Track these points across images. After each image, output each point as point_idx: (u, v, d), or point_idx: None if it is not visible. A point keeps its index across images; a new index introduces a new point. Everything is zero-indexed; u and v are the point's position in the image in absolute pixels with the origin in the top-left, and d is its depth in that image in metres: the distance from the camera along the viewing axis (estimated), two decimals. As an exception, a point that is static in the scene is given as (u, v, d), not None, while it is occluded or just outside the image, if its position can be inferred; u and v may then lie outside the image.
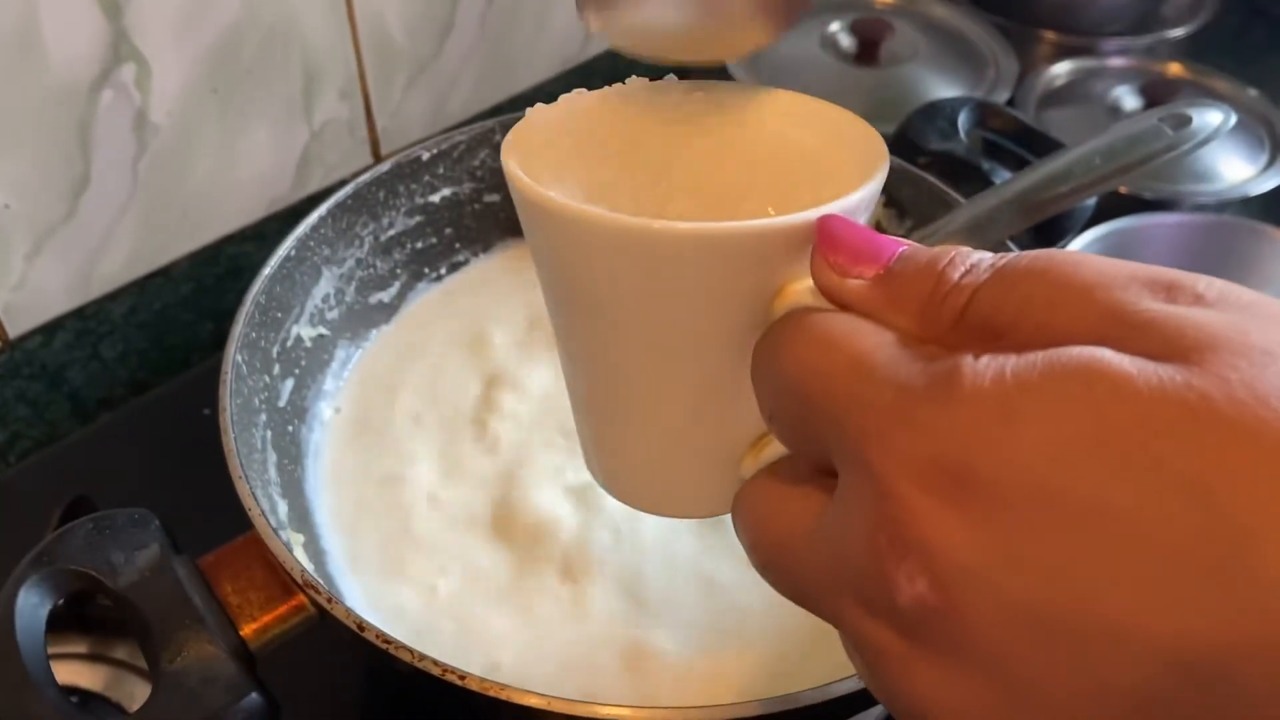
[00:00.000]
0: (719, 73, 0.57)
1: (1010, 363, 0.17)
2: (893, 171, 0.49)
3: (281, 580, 0.34)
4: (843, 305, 0.21)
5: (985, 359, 0.17)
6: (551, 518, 0.43)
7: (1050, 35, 0.76)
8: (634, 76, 0.28)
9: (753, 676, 0.38)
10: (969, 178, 0.51)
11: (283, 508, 0.41)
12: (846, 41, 0.73)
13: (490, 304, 0.52)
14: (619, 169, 0.28)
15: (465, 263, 0.54)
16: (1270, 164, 0.65)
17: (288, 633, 0.34)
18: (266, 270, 0.44)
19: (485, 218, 0.53)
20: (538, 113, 0.28)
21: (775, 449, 0.24)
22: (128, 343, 0.57)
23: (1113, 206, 0.60)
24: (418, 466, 0.45)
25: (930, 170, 0.48)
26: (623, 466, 0.29)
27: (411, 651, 0.31)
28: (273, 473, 0.42)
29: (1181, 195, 0.62)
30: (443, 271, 0.53)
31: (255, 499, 0.35)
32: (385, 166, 0.49)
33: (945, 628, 0.17)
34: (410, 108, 0.63)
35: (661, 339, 0.24)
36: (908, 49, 0.72)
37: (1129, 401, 0.16)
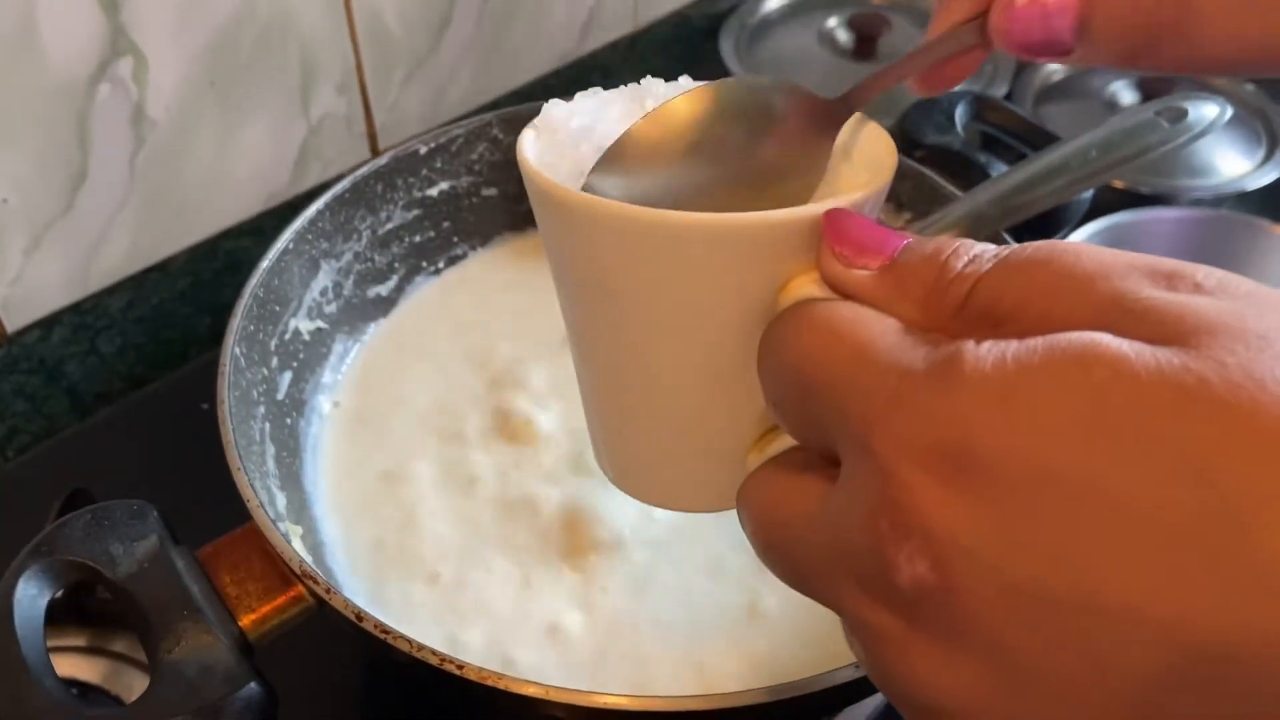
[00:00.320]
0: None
1: (1011, 348, 0.17)
2: (890, 165, 0.49)
3: (280, 571, 0.34)
4: (848, 295, 0.21)
5: (987, 345, 0.17)
6: (552, 510, 0.43)
7: (1047, 30, 0.76)
8: (648, 77, 0.28)
9: (752, 665, 0.38)
10: (966, 171, 0.51)
11: (281, 500, 0.41)
12: (844, 36, 0.73)
13: (488, 297, 0.52)
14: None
15: (463, 256, 0.54)
16: (1267, 159, 0.65)
17: (286, 623, 0.35)
18: (264, 263, 0.44)
19: (483, 211, 0.53)
20: (555, 108, 0.28)
21: (782, 443, 0.25)
22: (125, 337, 0.57)
23: (1110, 201, 0.60)
24: (416, 459, 0.45)
25: (927, 164, 0.48)
26: (631, 460, 0.29)
27: (410, 641, 0.31)
28: (271, 465, 0.42)
29: (1178, 190, 0.62)
30: (441, 265, 0.53)
31: (253, 490, 0.35)
32: (383, 160, 0.49)
33: (945, 609, 0.17)
34: (408, 102, 0.63)
35: (671, 330, 0.24)
36: (905, 44, 0.72)
37: (1127, 383, 0.16)
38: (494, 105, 0.67)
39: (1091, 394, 0.16)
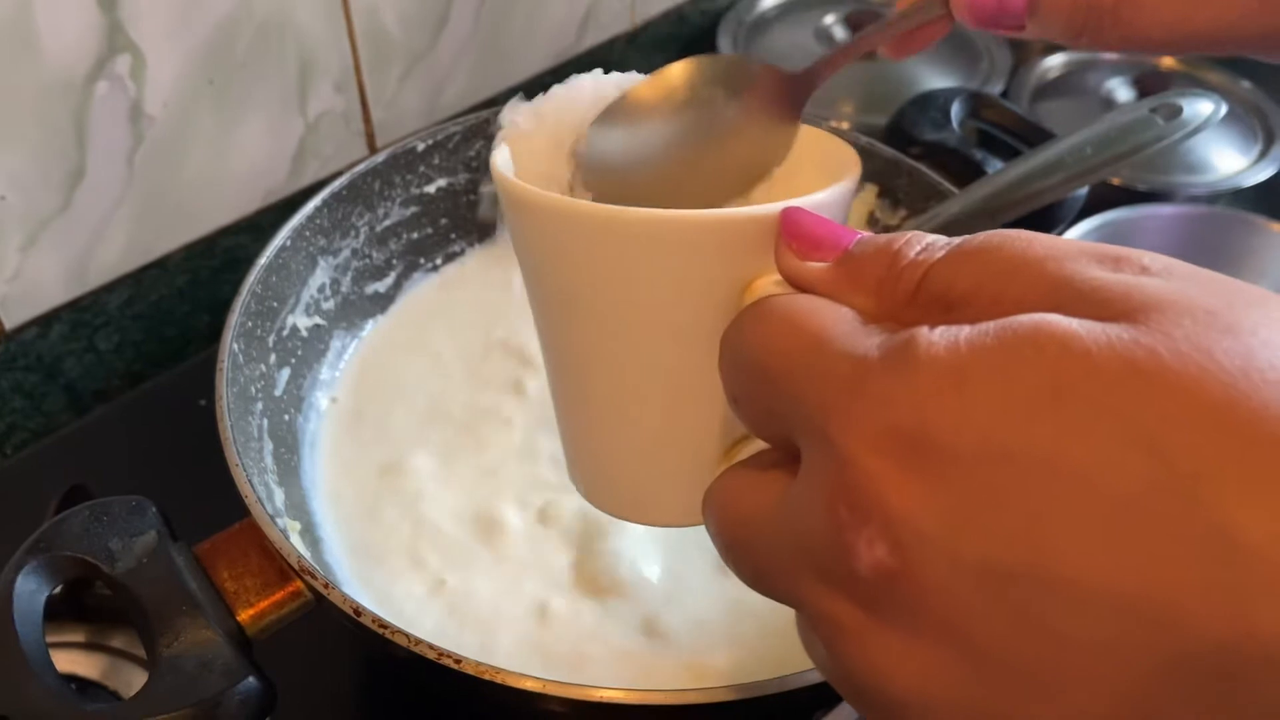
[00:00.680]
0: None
1: (964, 332, 0.17)
2: (886, 162, 0.50)
3: (278, 566, 0.35)
4: (804, 287, 0.22)
5: (940, 330, 0.18)
6: (548, 505, 0.43)
7: (1044, 28, 0.76)
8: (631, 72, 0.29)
9: (756, 660, 0.39)
10: (962, 168, 0.51)
11: (279, 495, 0.41)
12: (841, 33, 0.73)
13: (486, 294, 0.52)
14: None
15: (461, 253, 0.54)
16: (1263, 156, 0.65)
17: (284, 618, 0.35)
18: (263, 260, 0.44)
19: (481, 208, 0.53)
20: (525, 113, 0.29)
21: (749, 451, 0.25)
22: (123, 334, 0.58)
23: (1105, 198, 0.60)
24: (414, 456, 0.45)
25: (923, 160, 0.48)
26: (601, 473, 0.29)
27: (408, 636, 0.31)
28: (269, 461, 0.42)
29: (1174, 187, 0.62)
30: (439, 262, 0.53)
31: (252, 486, 0.35)
32: (381, 157, 0.49)
33: (905, 594, 0.17)
34: (405, 100, 0.63)
35: (633, 333, 0.25)
36: (902, 41, 0.72)
37: (1078, 359, 0.16)
38: (492, 102, 0.67)
39: (1043, 371, 0.16)
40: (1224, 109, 0.41)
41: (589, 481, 0.30)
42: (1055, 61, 0.72)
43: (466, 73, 0.65)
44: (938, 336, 0.17)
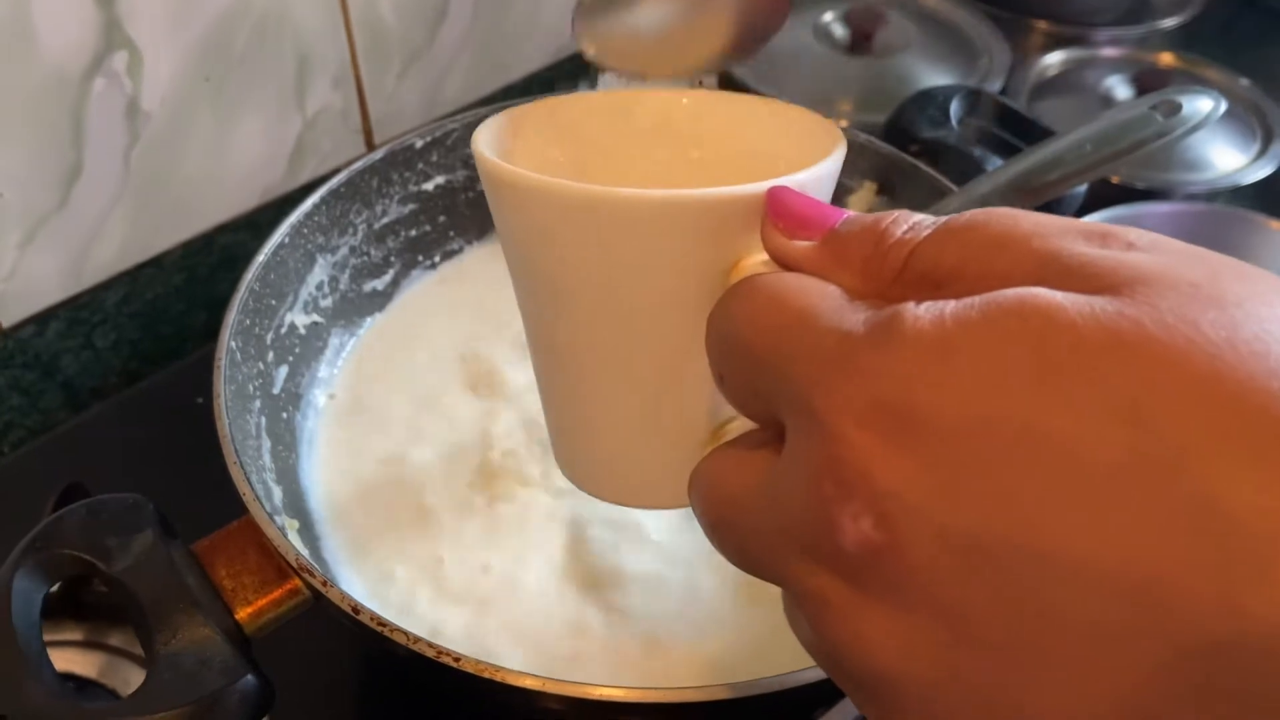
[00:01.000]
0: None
1: (950, 306, 0.17)
2: (885, 159, 0.50)
3: (276, 564, 0.34)
4: (790, 265, 0.22)
5: (925, 305, 0.18)
6: (546, 502, 0.43)
7: (1042, 25, 0.76)
8: (608, 75, 0.29)
9: (758, 657, 0.39)
10: (961, 165, 0.51)
11: (277, 493, 0.41)
12: (840, 32, 0.73)
13: (484, 291, 0.52)
14: (579, 176, 0.29)
15: (459, 250, 0.54)
16: (1261, 153, 0.65)
17: (283, 616, 0.35)
18: (260, 257, 0.44)
19: (479, 205, 0.53)
20: (512, 112, 0.29)
21: (737, 433, 0.25)
22: (120, 332, 0.57)
23: (1104, 195, 0.60)
24: (412, 454, 0.45)
25: (922, 158, 0.48)
26: (586, 456, 0.29)
27: (406, 634, 0.31)
28: (267, 459, 0.42)
29: (1173, 184, 0.62)
30: (437, 259, 0.53)
31: (249, 484, 0.35)
32: (379, 154, 0.49)
33: (891, 568, 0.17)
34: (404, 96, 0.63)
35: (619, 315, 0.25)
36: (900, 39, 0.72)
37: (1063, 330, 0.16)
38: (490, 100, 0.67)
39: (1028, 342, 0.16)
40: (1224, 106, 0.41)
41: (575, 466, 0.30)
42: (1054, 59, 0.72)
43: (465, 69, 0.65)
44: (923, 311, 0.17)
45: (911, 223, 0.20)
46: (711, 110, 0.30)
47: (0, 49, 0.46)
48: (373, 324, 0.51)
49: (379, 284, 0.51)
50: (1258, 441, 0.15)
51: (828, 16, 0.73)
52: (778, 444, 0.20)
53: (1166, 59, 0.72)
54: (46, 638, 0.32)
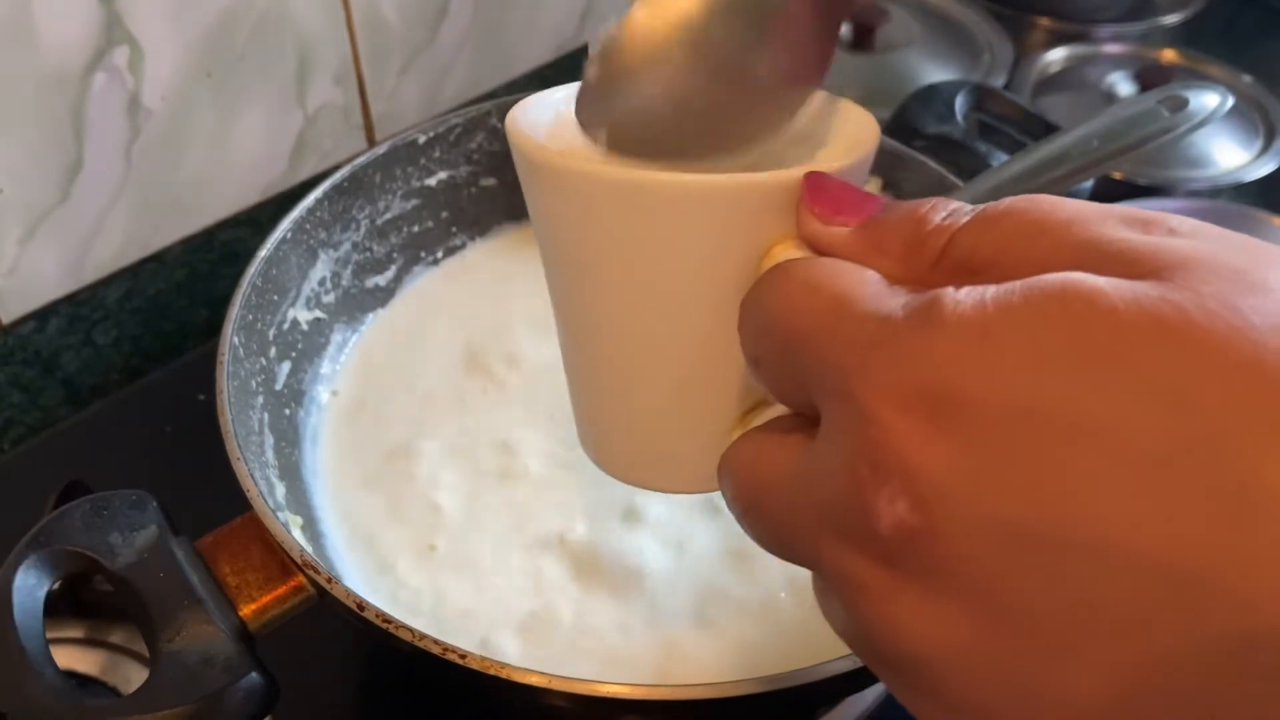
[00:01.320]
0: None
1: (990, 291, 0.17)
2: (889, 154, 0.49)
3: (280, 561, 0.34)
4: (827, 251, 0.22)
5: (965, 290, 0.17)
6: (552, 496, 0.43)
7: (1045, 22, 0.76)
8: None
9: (759, 654, 0.38)
10: (966, 160, 0.51)
11: (280, 490, 0.41)
12: (842, 28, 0.73)
13: (487, 287, 0.52)
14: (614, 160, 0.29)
15: (462, 246, 0.54)
16: (1264, 150, 0.65)
17: (287, 613, 0.34)
18: (263, 253, 0.44)
19: (482, 201, 0.53)
20: (544, 94, 0.28)
21: (765, 417, 0.25)
22: (121, 329, 0.57)
23: (1108, 192, 0.60)
24: (416, 448, 0.45)
25: (927, 153, 0.48)
26: (615, 439, 0.29)
27: (412, 631, 0.31)
28: (270, 455, 0.42)
29: (1176, 181, 0.62)
30: (439, 255, 0.53)
31: (253, 480, 0.35)
32: (381, 149, 0.49)
33: (927, 552, 0.17)
34: (405, 93, 0.63)
35: (653, 299, 0.25)
36: (903, 35, 0.72)
37: (1105, 315, 0.16)
38: (491, 95, 0.67)
39: (1069, 327, 0.16)
40: (1230, 101, 0.41)
41: (602, 449, 0.30)
42: (1057, 55, 0.72)
43: (466, 65, 0.65)
44: (964, 295, 0.17)
45: (950, 209, 0.20)
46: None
47: (1, 44, 0.45)
48: (375, 320, 0.51)
49: (381, 280, 0.51)
50: None
51: (830, 13, 0.73)
52: (810, 429, 0.20)
53: (1169, 56, 0.72)
54: (48, 635, 0.32)
